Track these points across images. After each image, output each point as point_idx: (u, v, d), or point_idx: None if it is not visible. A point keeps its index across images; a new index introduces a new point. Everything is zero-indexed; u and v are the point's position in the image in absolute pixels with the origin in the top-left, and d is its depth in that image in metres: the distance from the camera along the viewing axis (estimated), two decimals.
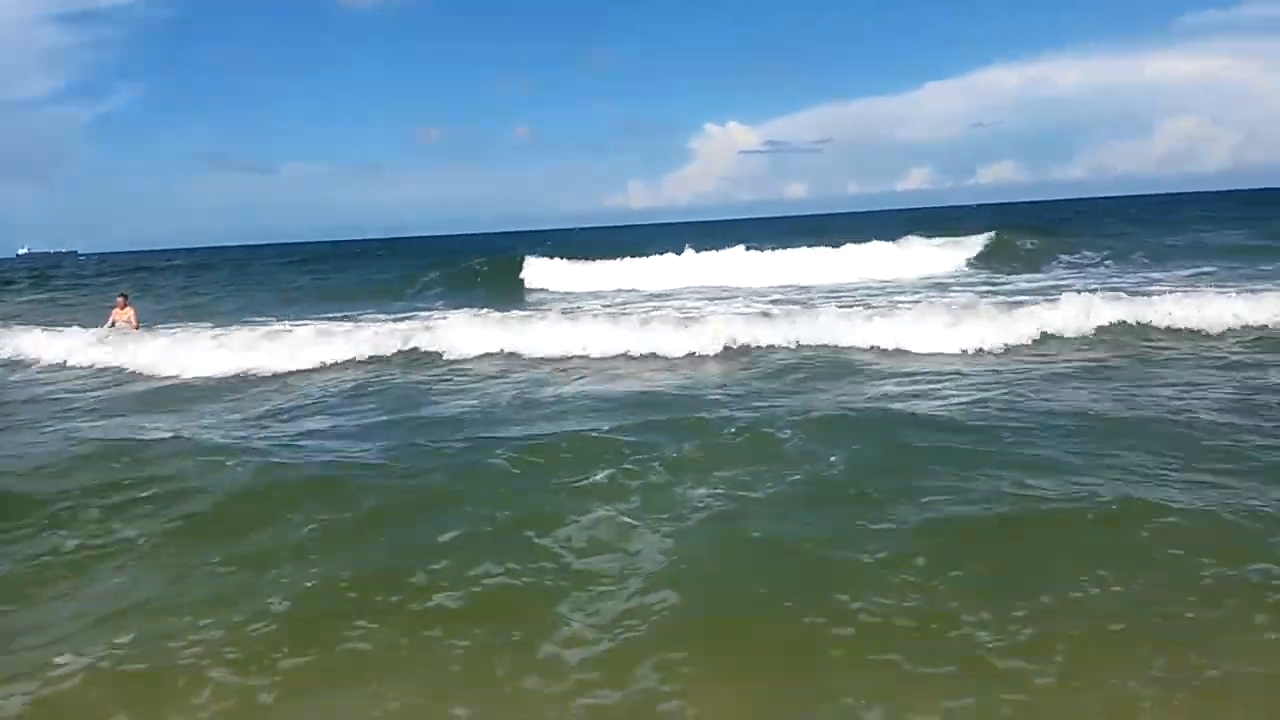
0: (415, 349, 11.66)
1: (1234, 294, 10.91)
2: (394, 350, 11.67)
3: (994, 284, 18.01)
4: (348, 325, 13.96)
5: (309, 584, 4.46)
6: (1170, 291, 11.48)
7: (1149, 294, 11.54)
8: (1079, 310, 10.44)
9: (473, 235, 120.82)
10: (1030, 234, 23.94)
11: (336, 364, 11.29)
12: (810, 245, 24.17)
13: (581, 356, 10.82)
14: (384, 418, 8.16)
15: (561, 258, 25.52)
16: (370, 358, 11.50)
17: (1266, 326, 10.03)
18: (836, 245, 22.97)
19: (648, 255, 24.46)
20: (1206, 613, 3.70)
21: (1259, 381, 7.70)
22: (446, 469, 6.24)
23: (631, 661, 3.63)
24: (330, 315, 17.80)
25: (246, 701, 3.52)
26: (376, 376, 10.45)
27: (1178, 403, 7.00)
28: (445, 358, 11.24)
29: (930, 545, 4.44)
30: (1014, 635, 3.61)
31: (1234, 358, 8.79)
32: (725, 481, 5.54)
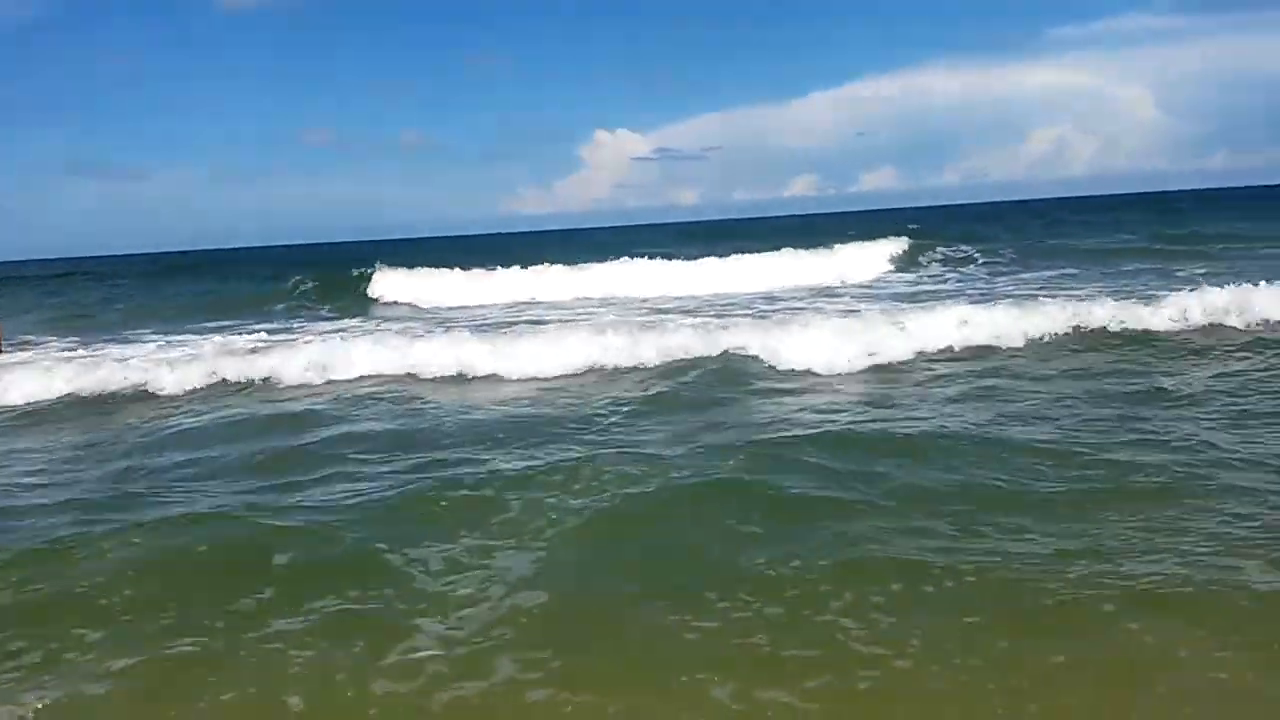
0: (263, 371, 10.72)
1: (1107, 299, 10.96)
2: (239, 374, 10.72)
3: (877, 291, 18.33)
4: (199, 343, 13.13)
5: (129, 611, 4.25)
6: (1038, 296, 11.75)
7: (1021, 299, 11.86)
8: (952, 320, 10.38)
9: (359, 243, 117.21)
10: (912, 239, 24.37)
11: (173, 394, 10.31)
12: (700, 254, 23.91)
13: (442, 375, 10.17)
14: (218, 447, 7.62)
15: (454, 266, 24.41)
16: (215, 382, 10.60)
17: (1155, 331, 10.08)
18: (723, 255, 22.72)
19: (533, 264, 23.61)
20: (1059, 604, 3.83)
21: (1122, 385, 7.94)
22: (287, 494, 5.90)
23: (490, 661, 3.64)
24: (187, 330, 16.86)
25: (70, 704, 3.47)
26: (218, 401, 9.80)
27: (1044, 409, 7.23)
28: (292, 382, 10.38)
29: (803, 545, 4.53)
30: (875, 623, 3.75)
31: (1099, 362, 9.02)
32: (601, 495, 5.44)
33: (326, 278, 24.45)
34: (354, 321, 17.89)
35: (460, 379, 10.12)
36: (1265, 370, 8.17)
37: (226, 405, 9.52)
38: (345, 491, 5.89)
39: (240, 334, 15.18)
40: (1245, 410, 6.80)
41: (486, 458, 6.48)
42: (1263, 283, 10.67)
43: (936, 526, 4.71)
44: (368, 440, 7.40)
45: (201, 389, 10.40)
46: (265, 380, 10.50)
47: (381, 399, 9.25)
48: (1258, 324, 9.99)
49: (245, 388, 10.38)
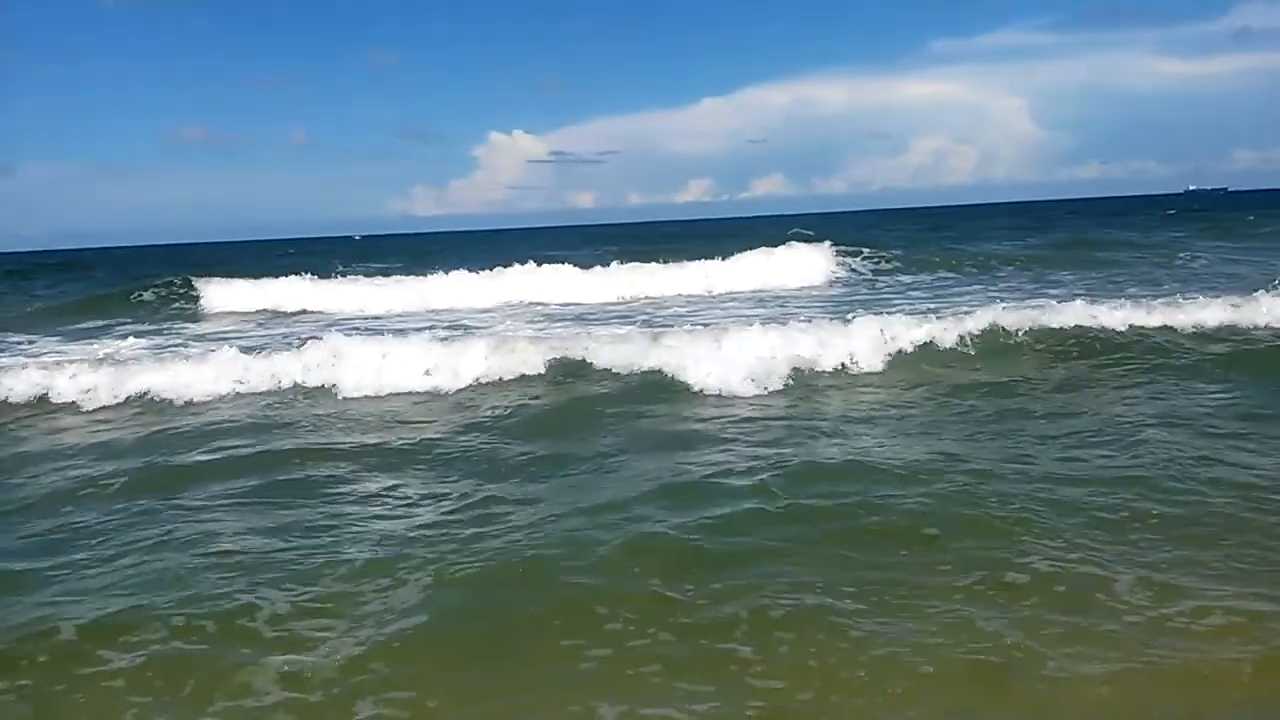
0: (70, 393, 9.54)
1: (1010, 307, 10.61)
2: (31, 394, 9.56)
3: (769, 300, 18.16)
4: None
5: None
6: (938, 306, 11.77)
7: (926, 308, 11.78)
8: (860, 332, 9.73)
9: (240, 243, 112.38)
10: (805, 245, 24.21)
11: None
12: (603, 258, 22.78)
13: (288, 392, 9.28)
14: (21, 476, 6.94)
15: (338, 266, 22.77)
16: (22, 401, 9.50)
17: (1060, 330, 9.93)
18: (623, 261, 21.10)
19: (429, 268, 22.39)
20: (948, 642, 3.73)
21: (1024, 401, 7.90)
22: (107, 528, 5.42)
23: (349, 704, 3.43)
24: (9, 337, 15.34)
25: None
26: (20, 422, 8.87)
27: (948, 425, 7.20)
28: (106, 403, 9.29)
29: (705, 573, 4.40)
30: (774, 652, 3.67)
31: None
32: (483, 526, 5.14)
33: (176, 283, 21.60)
34: (191, 329, 16.53)
35: (312, 396, 9.19)
36: (1150, 383, 8.32)
37: (29, 431, 8.60)
38: (175, 529, 5.35)
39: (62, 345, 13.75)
40: (1120, 422, 6.94)
41: (349, 487, 6.06)
42: (1185, 298, 10.71)
43: (844, 555, 4.61)
44: (201, 468, 6.73)
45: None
46: (72, 403, 9.42)
47: (215, 421, 8.40)
48: (1140, 331, 9.96)
49: (47, 411, 9.32)
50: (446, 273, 21.18)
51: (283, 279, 20.90)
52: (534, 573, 4.50)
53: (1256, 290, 10.91)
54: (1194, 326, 10.08)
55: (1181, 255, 21.28)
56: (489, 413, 8.27)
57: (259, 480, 6.31)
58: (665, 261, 20.92)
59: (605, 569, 4.49)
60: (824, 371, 9.16)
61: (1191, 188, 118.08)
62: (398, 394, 9.13)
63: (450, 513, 5.45)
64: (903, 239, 28.95)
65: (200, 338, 14.99)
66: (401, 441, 7.29)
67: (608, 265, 21.07)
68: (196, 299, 20.64)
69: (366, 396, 9.07)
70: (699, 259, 21.04)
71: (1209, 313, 10.36)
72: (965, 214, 71.41)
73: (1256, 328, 10.16)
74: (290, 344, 10.77)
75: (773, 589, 4.20)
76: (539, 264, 21.17)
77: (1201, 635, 3.65)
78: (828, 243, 22.33)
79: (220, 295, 20.38)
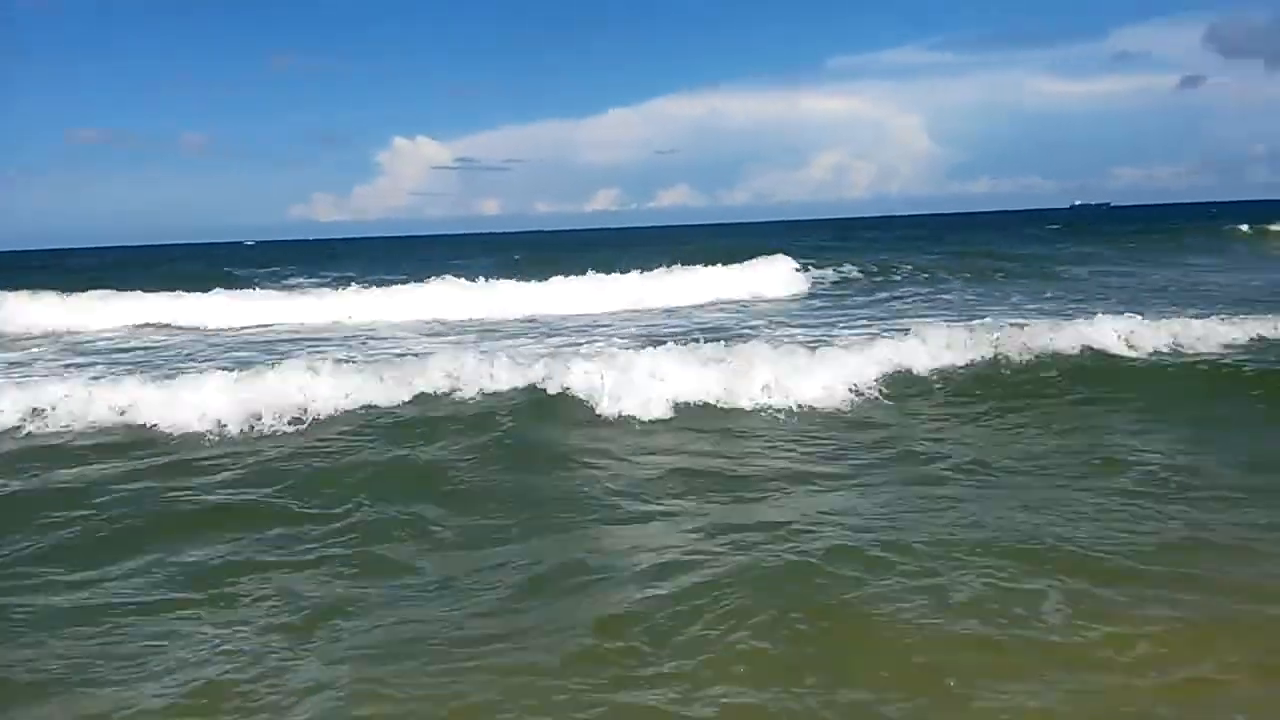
0: None
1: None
2: None
3: (682, 313, 17.65)
4: None
5: None
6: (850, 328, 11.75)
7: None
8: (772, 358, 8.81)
9: (128, 248, 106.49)
10: (708, 259, 23.71)
11: None
12: (512, 270, 21.58)
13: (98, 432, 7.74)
14: None
15: (234, 272, 21.31)
16: None
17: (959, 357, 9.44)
18: (541, 278, 19.46)
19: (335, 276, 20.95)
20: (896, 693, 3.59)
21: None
22: None
23: None
24: None
25: None
26: None
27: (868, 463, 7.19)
28: None
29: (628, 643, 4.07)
30: (712, 698, 3.54)
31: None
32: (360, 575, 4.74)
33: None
34: None
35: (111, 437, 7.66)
36: (1041, 405, 8.17)
37: None
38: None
39: None
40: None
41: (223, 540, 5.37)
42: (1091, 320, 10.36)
43: (777, 590, 4.38)
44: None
45: None
46: None
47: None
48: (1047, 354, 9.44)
49: None
50: (367, 286, 19.31)
51: (141, 293, 18.65)
52: (450, 625, 4.15)
53: (1138, 304, 11.27)
54: (1092, 346, 9.59)
55: (1066, 267, 22.31)
56: (322, 459, 6.94)
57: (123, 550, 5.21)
58: (569, 274, 19.90)
59: (535, 634, 4.08)
60: (726, 397, 8.35)
61: (1077, 203, 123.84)
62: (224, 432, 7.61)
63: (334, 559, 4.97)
64: (811, 250, 29.27)
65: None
66: (221, 496, 6.13)
67: (507, 276, 19.88)
68: None
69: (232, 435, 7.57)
70: (612, 271, 20.14)
71: (1104, 329, 10.14)
72: (864, 225, 73.19)
73: (1150, 351, 9.67)
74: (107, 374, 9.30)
75: (712, 638, 3.96)
76: (443, 272, 20.07)
77: (1125, 667, 3.62)
78: (782, 257, 21.79)
79: (29, 311, 17.61)
